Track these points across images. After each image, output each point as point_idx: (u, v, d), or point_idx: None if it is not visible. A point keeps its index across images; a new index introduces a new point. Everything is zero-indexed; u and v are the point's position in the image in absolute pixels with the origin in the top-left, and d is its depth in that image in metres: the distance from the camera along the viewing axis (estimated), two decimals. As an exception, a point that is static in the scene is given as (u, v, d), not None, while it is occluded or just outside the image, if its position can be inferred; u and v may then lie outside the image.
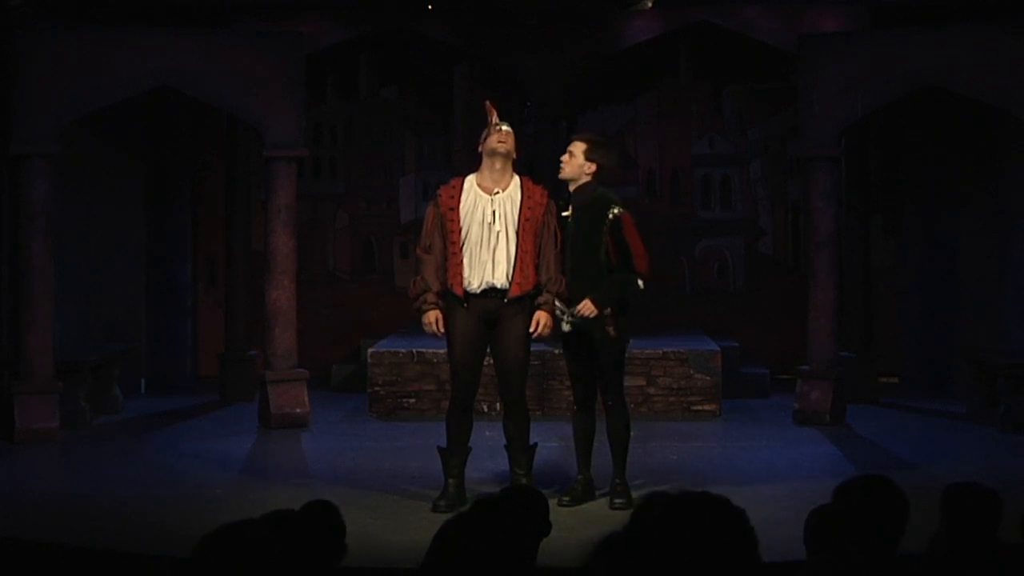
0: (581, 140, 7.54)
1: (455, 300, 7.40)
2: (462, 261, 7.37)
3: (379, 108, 13.68)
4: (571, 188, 7.51)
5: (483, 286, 7.36)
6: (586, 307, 7.31)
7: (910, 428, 10.49)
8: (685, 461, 9.12)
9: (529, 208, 7.37)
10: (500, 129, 7.45)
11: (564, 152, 7.57)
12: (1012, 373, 10.12)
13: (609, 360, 7.45)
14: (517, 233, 7.35)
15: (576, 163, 7.46)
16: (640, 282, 7.36)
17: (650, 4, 10.93)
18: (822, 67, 10.61)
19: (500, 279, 7.36)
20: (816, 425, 10.40)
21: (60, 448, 9.77)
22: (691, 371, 10.93)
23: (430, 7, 11.33)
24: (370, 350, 11.20)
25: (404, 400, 10.91)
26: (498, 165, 7.41)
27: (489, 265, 7.36)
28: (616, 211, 7.37)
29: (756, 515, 2.91)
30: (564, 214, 7.50)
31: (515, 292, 7.37)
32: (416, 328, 11.93)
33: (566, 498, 7.51)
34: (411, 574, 4.66)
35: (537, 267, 7.41)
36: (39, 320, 10.00)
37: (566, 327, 7.42)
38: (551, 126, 11.89)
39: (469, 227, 7.37)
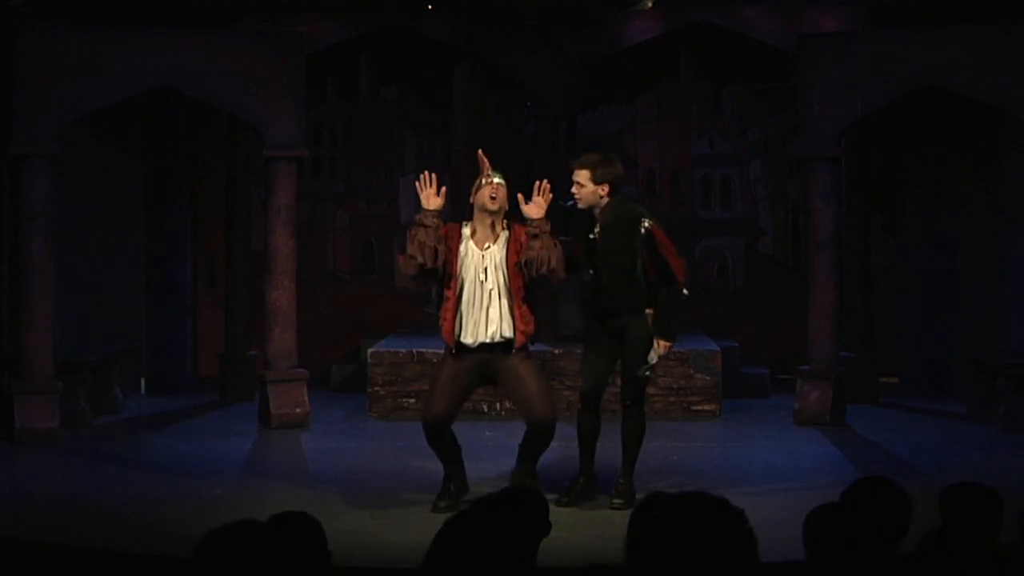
0: (583, 168, 7.41)
1: (447, 347, 7.38)
2: (456, 313, 7.30)
3: (379, 108, 13.68)
4: (595, 211, 7.46)
5: (477, 342, 7.31)
6: (662, 347, 7.41)
7: (910, 428, 10.48)
8: (685, 461, 9.12)
9: (516, 252, 7.30)
10: (492, 182, 7.34)
11: (572, 183, 7.47)
12: (1012, 373, 10.12)
13: (638, 356, 7.44)
14: (509, 287, 7.28)
15: (588, 191, 7.40)
16: (684, 291, 7.41)
17: (650, 4, 10.93)
18: (822, 67, 10.61)
19: (494, 336, 7.29)
20: (816, 425, 10.40)
21: (60, 448, 9.76)
22: (691, 371, 10.93)
23: (430, 7, 11.33)
24: (370, 350, 11.20)
25: (404, 400, 10.91)
26: (488, 219, 7.35)
27: (482, 324, 7.29)
28: (647, 224, 7.34)
29: (756, 515, 2.91)
30: (591, 236, 7.47)
31: (521, 341, 7.33)
32: (416, 328, 12.00)
33: (564, 498, 7.51)
34: (411, 574, 4.66)
35: (531, 305, 7.39)
36: (39, 320, 10.00)
37: (649, 373, 7.49)
38: (551, 126, 11.90)
39: (463, 282, 7.31)
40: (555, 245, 7.24)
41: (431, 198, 7.32)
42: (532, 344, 7.46)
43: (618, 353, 7.51)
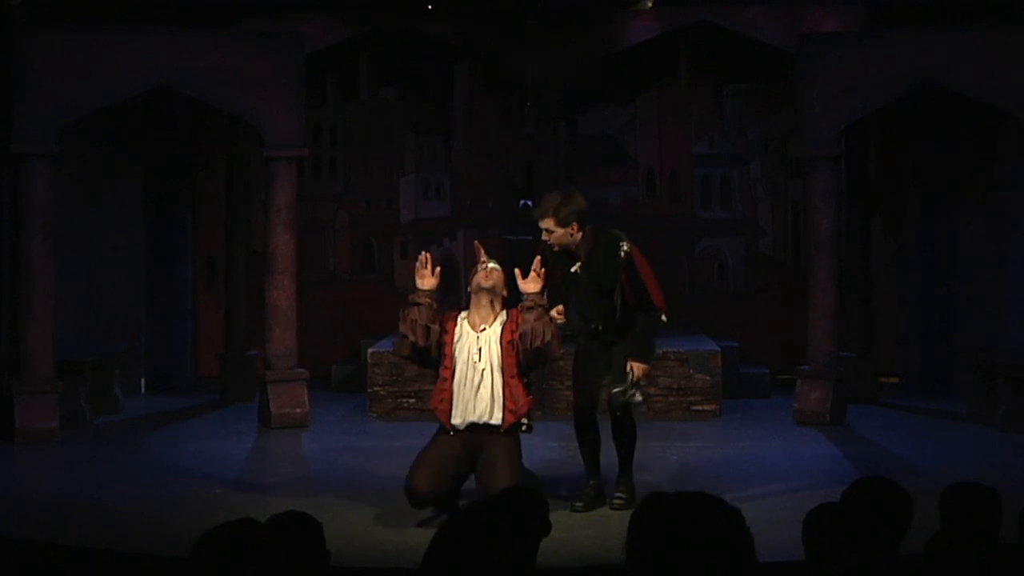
0: (545, 216, 7.35)
1: (441, 427, 7.33)
2: (451, 394, 7.24)
3: (379, 108, 13.68)
4: (572, 248, 7.44)
5: (465, 423, 7.23)
6: (638, 369, 7.37)
7: (910, 428, 10.49)
8: (685, 461, 9.13)
9: (510, 331, 7.25)
10: (486, 267, 7.38)
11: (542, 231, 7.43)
12: (1012, 373, 10.12)
13: (622, 375, 7.41)
14: (502, 368, 7.23)
15: (558, 235, 7.37)
16: (663, 316, 7.41)
17: (650, 4, 10.93)
18: (822, 67, 10.61)
19: (482, 416, 7.21)
20: (816, 425, 10.40)
21: (60, 448, 9.77)
22: (691, 371, 10.93)
23: (430, 7, 11.34)
24: (370, 350, 11.20)
25: (404, 400, 10.92)
26: (484, 301, 7.33)
27: (472, 403, 7.21)
28: (625, 248, 7.35)
29: (756, 515, 2.91)
30: (572, 269, 7.45)
31: (509, 420, 7.22)
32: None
33: (579, 503, 7.48)
34: (411, 574, 4.66)
35: (526, 385, 7.33)
36: (39, 320, 10.00)
37: (639, 397, 7.48)
38: (551, 126, 11.89)
39: (456, 363, 7.28)
40: (550, 320, 7.20)
41: (426, 278, 7.34)
42: (525, 423, 7.32)
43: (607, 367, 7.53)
